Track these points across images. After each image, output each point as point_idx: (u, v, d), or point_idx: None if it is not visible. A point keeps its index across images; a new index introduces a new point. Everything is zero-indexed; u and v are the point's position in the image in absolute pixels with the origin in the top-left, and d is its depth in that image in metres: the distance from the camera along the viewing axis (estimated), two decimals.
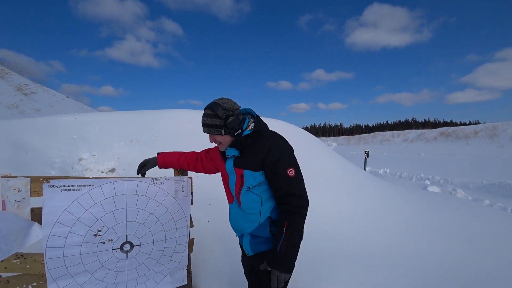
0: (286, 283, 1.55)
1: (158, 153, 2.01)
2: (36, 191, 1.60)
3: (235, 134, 1.54)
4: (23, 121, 3.65)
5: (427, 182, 11.62)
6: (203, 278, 2.31)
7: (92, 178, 1.72)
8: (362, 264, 2.69)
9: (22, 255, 1.60)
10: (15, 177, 1.56)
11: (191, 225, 2.12)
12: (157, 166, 2.02)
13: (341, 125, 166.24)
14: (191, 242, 2.14)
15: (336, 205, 4.10)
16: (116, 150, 3.85)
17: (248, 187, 1.54)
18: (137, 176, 1.99)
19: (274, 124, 6.22)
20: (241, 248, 1.77)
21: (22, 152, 3.17)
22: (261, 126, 1.59)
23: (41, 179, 1.60)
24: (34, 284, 1.62)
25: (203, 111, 1.57)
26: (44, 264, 1.58)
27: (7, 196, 1.54)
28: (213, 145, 1.89)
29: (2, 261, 1.56)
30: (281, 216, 1.51)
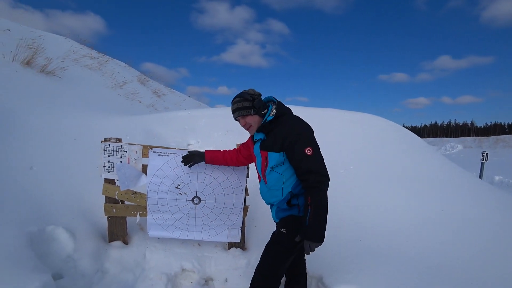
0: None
1: (206, 151, 2.31)
2: (145, 154, 2.49)
3: (262, 113, 1.86)
4: (153, 116, 5.06)
5: None
6: (254, 240, 2.83)
7: (177, 148, 2.50)
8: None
9: (135, 192, 2.52)
10: (134, 144, 2.49)
11: (247, 194, 2.67)
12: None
13: (472, 123, 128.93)
14: (246, 208, 2.69)
15: (417, 209, 3.85)
16: (215, 138, 4.81)
17: (272, 167, 1.81)
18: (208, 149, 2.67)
19: (360, 118, 6.11)
20: None
21: (151, 137, 4.46)
22: (283, 111, 1.86)
23: (148, 147, 2.48)
24: (141, 212, 2.53)
25: (235, 107, 1.88)
26: (146, 201, 2.45)
27: (130, 156, 2.48)
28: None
29: (126, 194, 2.51)
30: (305, 192, 1.75)
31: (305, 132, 1.77)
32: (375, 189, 4.11)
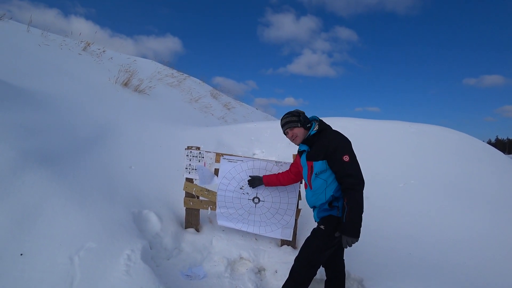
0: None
1: (263, 176, 2.81)
2: (217, 160, 3.08)
3: (307, 126, 2.21)
4: (223, 127, 5.79)
5: None
6: (304, 240, 3.15)
7: (243, 156, 3.02)
8: None
9: (208, 190, 3.12)
10: (210, 152, 3.10)
11: (300, 198, 3.04)
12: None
13: None
14: (298, 211, 3.06)
15: (479, 229, 3.69)
16: (278, 149, 5.28)
17: (316, 174, 2.13)
18: (269, 159, 3.14)
19: (425, 130, 5.92)
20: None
21: (221, 146, 5.15)
22: (324, 126, 2.22)
23: (220, 154, 3.07)
24: (212, 206, 3.11)
25: (284, 121, 2.29)
26: (216, 198, 3.02)
27: (206, 160, 3.09)
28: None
29: (201, 191, 3.12)
30: (343, 194, 2.06)
31: (342, 143, 2.11)
32: (435, 206, 4.07)
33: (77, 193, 2.61)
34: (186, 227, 3.18)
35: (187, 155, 3.13)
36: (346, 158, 2.02)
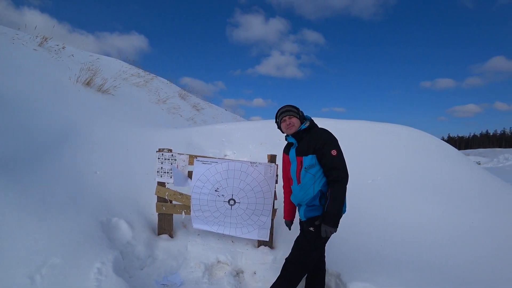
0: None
1: (285, 216, 2.62)
2: (191, 162, 2.98)
3: (302, 119, 2.33)
4: (193, 129, 5.66)
5: None
6: (281, 240, 3.17)
7: (217, 158, 2.95)
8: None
9: (182, 194, 3.01)
10: (182, 154, 2.99)
11: (275, 198, 3.04)
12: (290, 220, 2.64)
13: None
14: (274, 211, 3.06)
15: (444, 220, 3.94)
16: (250, 149, 5.25)
17: (305, 168, 2.20)
18: (243, 160, 3.10)
19: (391, 129, 6.23)
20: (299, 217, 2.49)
21: (192, 148, 5.01)
22: (313, 124, 2.35)
23: (193, 156, 2.97)
24: (186, 210, 3.01)
25: (286, 108, 2.35)
26: (190, 201, 2.92)
27: (179, 163, 2.98)
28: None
29: (174, 195, 3.00)
30: (328, 186, 2.16)
31: (331, 138, 2.24)
32: (401, 200, 4.27)
33: (36, 203, 2.39)
34: (159, 234, 3.04)
35: (158, 158, 3.00)
36: (334, 152, 2.13)
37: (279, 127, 2.45)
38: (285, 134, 2.43)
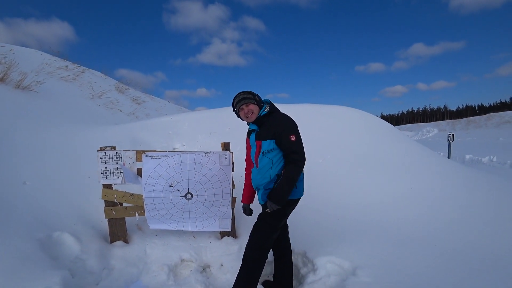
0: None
1: (243, 199, 2.56)
2: (139, 159, 2.73)
3: (260, 105, 2.27)
4: (137, 124, 5.26)
5: None
6: (244, 228, 3.13)
7: (168, 151, 2.75)
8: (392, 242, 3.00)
9: (132, 194, 2.76)
10: (128, 150, 2.72)
11: (233, 187, 2.96)
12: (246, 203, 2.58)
13: (445, 107, 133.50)
14: (234, 200, 2.99)
15: (388, 189, 4.27)
16: (199, 140, 5.05)
17: (263, 152, 2.22)
18: (196, 151, 2.94)
19: (336, 111, 6.52)
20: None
21: (137, 144, 4.65)
22: (274, 109, 2.31)
23: (141, 152, 2.73)
24: (139, 212, 2.77)
25: (242, 96, 2.26)
26: (143, 201, 2.70)
27: (125, 161, 2.71)
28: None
29: (124, 196, 2.75)
30: (284, 167, 2.17)
31: (290, 124, 2.23)
32: (350, 175, 4.52)
33: None
34: (112, 241, 2.77)
35: (101, 158, 2.69)
36: (292, 138, 2.15)
37: (238, 116, 2.37)
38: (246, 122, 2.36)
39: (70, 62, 10.27)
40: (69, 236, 2.50)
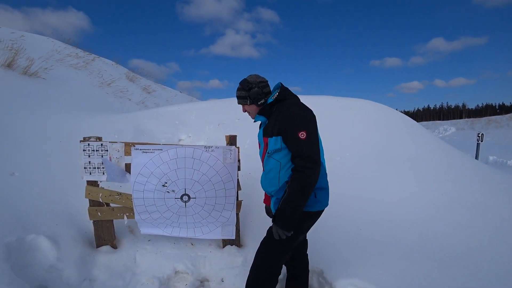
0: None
1: (264, 203, 2.15)
2: (128, 152, 2.33)
3: (259, 103, 1.80)
4: (143, 112, 4.89)
5: None
6: (250, 236, 2.70)
7: (162, 144, 2.34)
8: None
9: (120, 193, 2.38)
10: (115, 142, 2.33)
11: (239, 188, 2.53)
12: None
13: (464, 105, 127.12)
14: (239, 203, 2.55)
15: (416, 193, 3.73)
16: (207, 132, 4.65)
17: (269, 153, 1.73)
18: (195, 144, 2.52)
19: (354, 104, 5.97)
20: None
21: (141, 134, 4.30)
22: (285, 95, 1.77)
23: (130, 144, 2.32)
24: (128, 214, 2.39)
25: (236, 95, 1.88)
26: (132, 202, 2.31)
27: (112, 154, 2.32)
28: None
29: (111, 196, 2.37)
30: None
31: (301, 116, 1.67)
32: (372, 175, 3.99)
33: None
34: (97, 246, 2.41)
35: (84, 150, 2.31)
36: (302, 135, 1.59)
37: None
38: None
39: (81, 50, 10.06)
40: (45, 240, 2.14)
